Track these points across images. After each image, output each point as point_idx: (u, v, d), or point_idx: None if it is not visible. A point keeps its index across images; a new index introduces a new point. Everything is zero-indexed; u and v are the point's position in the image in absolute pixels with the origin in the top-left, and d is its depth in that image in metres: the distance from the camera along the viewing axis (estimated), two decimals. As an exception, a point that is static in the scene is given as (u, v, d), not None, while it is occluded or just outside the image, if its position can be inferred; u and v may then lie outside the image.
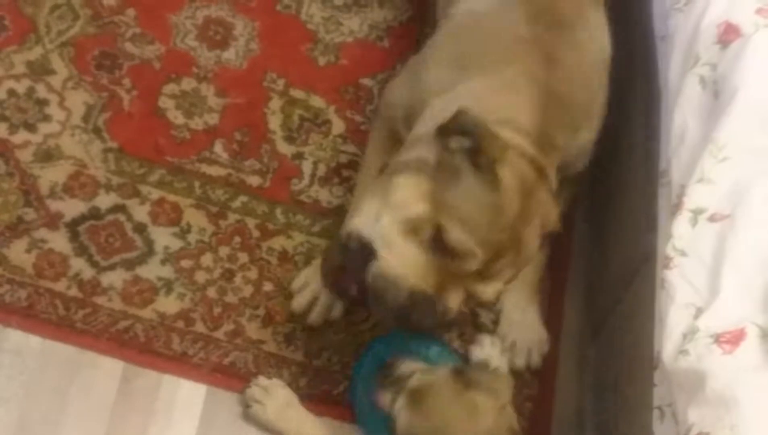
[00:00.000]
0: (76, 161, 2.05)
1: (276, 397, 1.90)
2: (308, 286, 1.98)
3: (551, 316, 2.12)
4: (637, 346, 1.69)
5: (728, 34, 1.60)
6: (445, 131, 1.66)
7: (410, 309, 1.66)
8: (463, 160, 1.63)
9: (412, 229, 1.64)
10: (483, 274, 1.66)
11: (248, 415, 1.90)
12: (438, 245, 1.62)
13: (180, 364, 1.94)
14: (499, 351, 2.00)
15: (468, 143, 1.63)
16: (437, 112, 1.75)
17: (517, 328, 2.02)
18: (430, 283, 1.65)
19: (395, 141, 1.91)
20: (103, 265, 1.98)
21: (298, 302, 1.98)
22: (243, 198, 2.09)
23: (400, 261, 1.65)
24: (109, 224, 2.02)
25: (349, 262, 1.71)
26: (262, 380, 1.92)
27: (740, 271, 1.43)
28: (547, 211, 1.73)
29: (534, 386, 2.04)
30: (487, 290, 1.69)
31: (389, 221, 1.65)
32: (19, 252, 1.95)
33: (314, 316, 1.98)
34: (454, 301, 1.68)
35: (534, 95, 1.74)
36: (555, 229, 1.77)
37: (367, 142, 2.07)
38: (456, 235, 1.60)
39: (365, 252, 1.67)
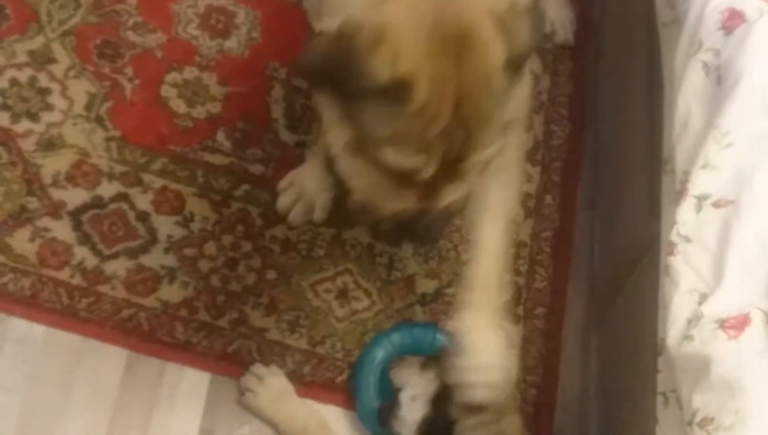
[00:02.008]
0: (78, 150, 2.04)
1: (269, 386, 1.91)
2: (292, 187, 2.04)
3: (554, 304, 2.13)
4: (641, 332, 1.70)
5: (732, 20, 1.59)
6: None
7: (407, 225, 1.50)
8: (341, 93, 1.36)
9: (359, 154, 1.44)
10: (448, 174, 1.42)
11: (241, 402, 1.91)
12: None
13: (183, 352, 1.94)
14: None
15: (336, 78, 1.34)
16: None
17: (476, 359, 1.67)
18: (406, 200, 1.45)
19: None
20: (107, 254, 1.98)
21: (282, 202, 2.06)
22: (246, 186, 2.09)
23: (369, 189, 1.47)
24: (112, 213, 2.01)
25: None
26: (258, 368, 1.92)
27: (745, 256, 1.43)
28: (488, 57, 1.34)
29: (538, 373, 2.05)
30: (457, 189, 1.45)
31: (336, 147, 1.46)
32: (22, 241, 1.95)
33: (294, 215, 2.05)
34: (442, 200, 1.47)
35: None
36: (528, 50, 1.40)
37: None
38: (390, 156, 1.37)
39: None
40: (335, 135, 1.43)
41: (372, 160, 1.39)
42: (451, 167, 1.38)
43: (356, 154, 1.42)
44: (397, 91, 1.28)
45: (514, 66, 1.36)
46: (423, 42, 1.28)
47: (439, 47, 1.29)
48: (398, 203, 1.45)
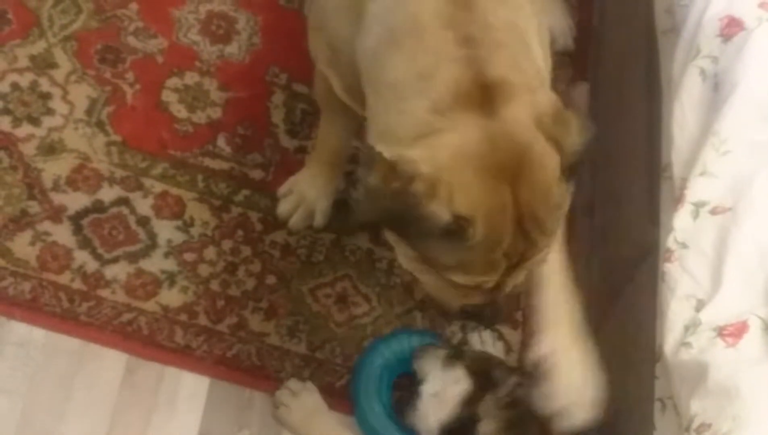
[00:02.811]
0: (79, 154, 2.05)
1: (303, 403, 1.91)
2: (293, 193, 2.05)
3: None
4: (639, 338, 1.70)
5: (731, 28, 1.60)
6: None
7: (470, 317, 1.60)
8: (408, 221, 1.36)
9: (426, 267, 1.47)
10: (510, 272, 1.43)
11: (275, 416, 1.91)
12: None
13: (183, 356, 1.94)
14: (501, 350, 2.00)
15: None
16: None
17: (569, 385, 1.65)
18: (472, 298, 1.50)
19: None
20: (107, 258, 1.98)
21: (283, 208, 2.06)
22: (246, 191, 2.10)
23: (435, 287, 1.51)
24: (113, 217, 2.02)
25: None
26: (293, 383, 1.93)
27: (742, 263, 1.43)
28: (546, 170, 1.35)
29: (536, 379, 2.05)
30: (517, 277, 1.47)
31: (402, 258, 1.49)
32: (22, 245, 1.95)
33: (295, 221, 2.05)
34: (505, 290, 1.50)
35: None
36: (581, 151, 1.39)
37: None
38: (457, 279, 1.42)
39: None
40: (401, 251, 1.46)
41: (438, 274, 1.43)
42: (513, 270, 1.41)
43: (423, 266, 1.44)
44: (458, 228, 1.31)
45: (570, 170, 1.38)
46: (477, 177, 1.30)
47: (495, 178, 1.30)
48: (465, 300, 1.50)
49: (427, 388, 1.84)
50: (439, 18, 1.35)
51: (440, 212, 1.29)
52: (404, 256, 1.46)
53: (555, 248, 1.62)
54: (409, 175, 1.29)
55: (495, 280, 1.41)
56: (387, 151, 1.32)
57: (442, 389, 1.83)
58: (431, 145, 1.31)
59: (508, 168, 1.30)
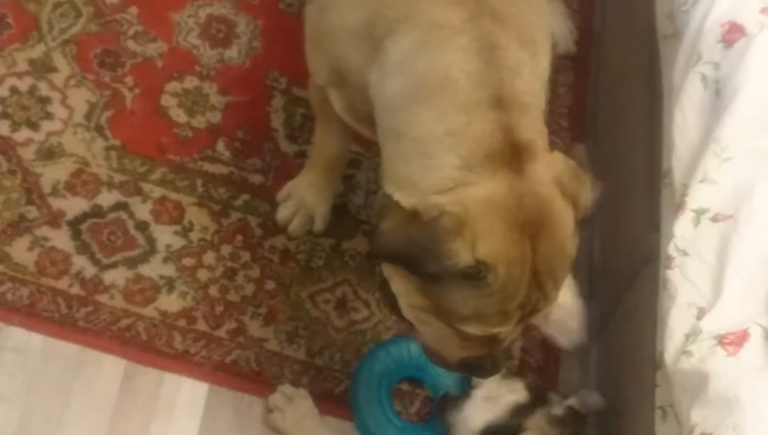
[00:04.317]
0: (78, 159, 2.04)
1: (297, 407, 1.90)
2: (291, 198, 2.04)
3: (553, 316, 2.13)
4: (640, 346, 1.69)
5: (732, 34, 1.59)
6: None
7: (468, 369, 1.59)
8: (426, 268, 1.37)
9: (431, 315, 1.46)
10: (523, 318, 1.46)
11: (267, 421, 1.91)
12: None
13: (182, 362, 1.94)
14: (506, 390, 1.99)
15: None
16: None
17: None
18: (472, 349, 1.51)
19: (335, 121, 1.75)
20: (105, 264, 1.98)
21: (282, 213, 2.05)
22: (245, 196, 2.09)
23: (435, 338, 1.51)
24: (111, 222, 2.01)
25: None
26: (286, 388, 1.92)
27: (743, 271, 1.43)
28: (564, 227, 1.40)
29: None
30: (518, 329, 1.50)
31: (405, 306, 1.49)
32: (21, 250, 1.95)
33: (294, 227, 2.05)
34: (506, 342, 1.52)
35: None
36: (591, 207, 1.47)
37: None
38: (470, 329, 1.42)
39: None
40: (407, 300, 1.46)
41: (445, 323, 1.44)
42: (521, 322, 1.45)
43: (428, 315, 1.45)
44: (477, 273, 1.33)
45: (582, 225, 1.44)
46: (502, 228, 1.33)
47: (518, 231, 1.34)
48: (464, 352, 1.51)
49: (481, 392, 1.85)
50: (470, 77, 1.37)
51: (463, 253, 1.31)
52: (409, 306, 1.46)
53: None
54: (435, 213, 1.32)
55: (508, 330, 1.44)
56: (407, 200, 1.36)
57: (497, 395, 1.85)
58: (459, 194, 1.34)
59: (531, 223, 1.35)
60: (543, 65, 1.54)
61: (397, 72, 1.43)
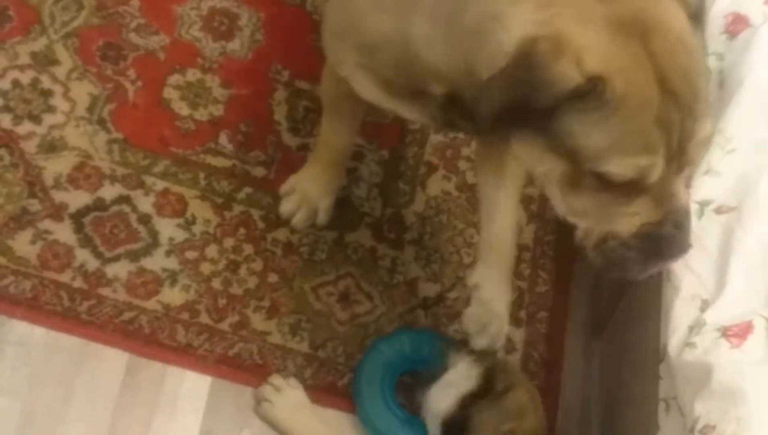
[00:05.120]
0: (80, 152, 2.04)
1: (286, 398, 1.90)
2: (295, 192, 2.04)
3: (557, 308, 2.12)
4: (643, 338, 1.69)
5: (736, 25, 1.59)
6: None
7: (655, 240, 1.35)
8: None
9: (577, 185, 1.34)
10: (676, 167, 1.31)
11: (257, 412, 1.90)
12: None
13: (185, 355, 1.93)
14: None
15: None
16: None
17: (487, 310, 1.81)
18: (643, 212, 1.34)
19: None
20: (108, 257, 1.97)
21: (285, 206, 2.05)
22: (248, 189, 2.09)
23: (603, 218, 1.36)
24: (114, 215, 2.01)
25: None
26: (275, 379, 1.92)
27: (747, 263, 1.43)
28: (675, 15, 1.29)
29: (540, 378, 2.04)
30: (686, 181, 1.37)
31: (555, 196, 1.38)
32: (23, 243, 1.94)
33: (298, 220, 2.05)
34: (680, 196, 1.35)
35: None
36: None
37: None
38: (613, 168, 1.28)
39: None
40: (547, 177, 1.35)
41: (594, 186, 1.31)
42: (678, 158, 1.29)
43: (575, 188, 1.33)
44: (594, 91, 1.22)
45: (696, 20, 1.31)
46: (602, 35, 1.23)
47: (621, 33, 1.23)
48: (636, 219, 1.34)
49: (447, 377, 1.82)
50: None
51: (570, 72, 1.21)
52: (550, 176, 1.34)
53: (513, 194, 1.79)
54: (528, 44, 1.21)
55: (659, 164, 1.27)
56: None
57: (456, 382, 1.81)
58: (546, 20, 1.23)
59: (634, 24, 1.23)
60: None
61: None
